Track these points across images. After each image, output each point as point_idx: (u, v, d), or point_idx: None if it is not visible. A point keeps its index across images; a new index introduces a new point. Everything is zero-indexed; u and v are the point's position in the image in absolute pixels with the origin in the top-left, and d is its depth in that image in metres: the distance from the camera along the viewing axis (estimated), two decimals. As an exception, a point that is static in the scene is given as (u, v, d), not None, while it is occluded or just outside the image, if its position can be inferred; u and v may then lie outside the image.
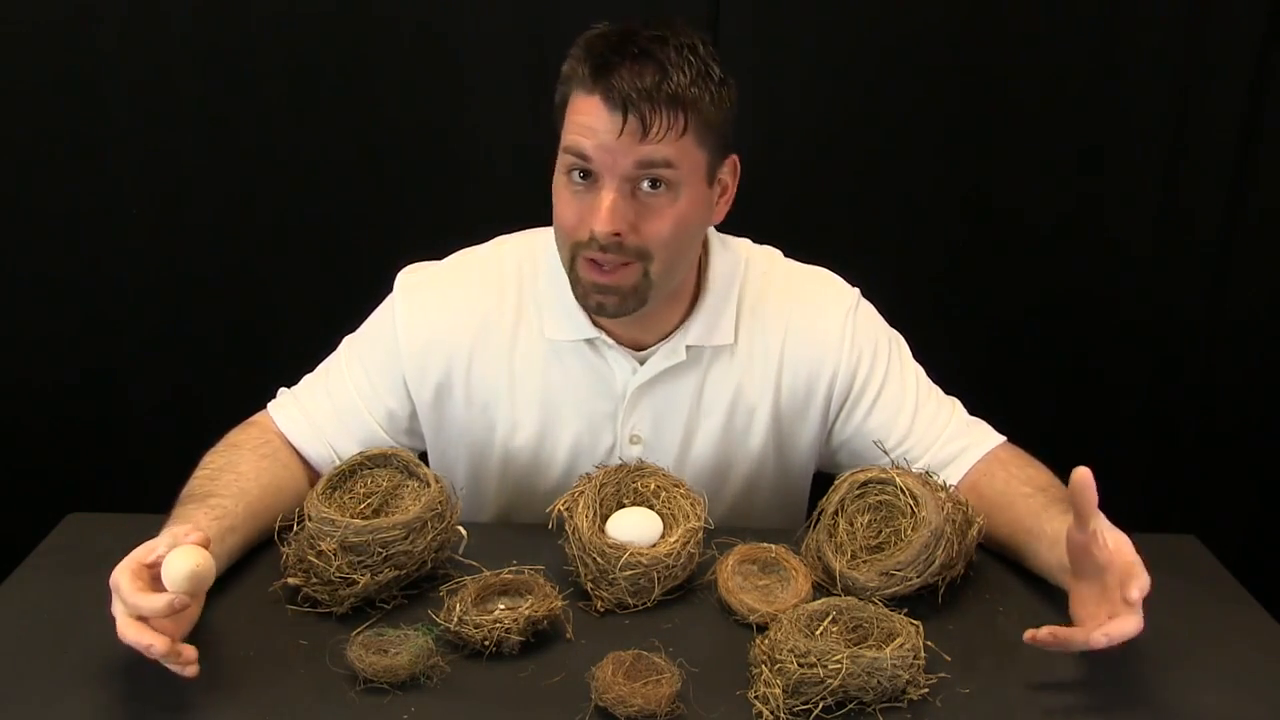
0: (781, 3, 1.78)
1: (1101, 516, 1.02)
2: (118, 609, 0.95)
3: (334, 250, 1.88)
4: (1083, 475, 0.99)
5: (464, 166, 1.85)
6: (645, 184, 1.12)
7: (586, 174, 1.13)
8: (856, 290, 1.33)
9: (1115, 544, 1.00)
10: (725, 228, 1.32)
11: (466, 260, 1.32)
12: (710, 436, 1.30)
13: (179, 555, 0.95)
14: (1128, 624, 0.95)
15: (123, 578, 0.95)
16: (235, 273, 1.89)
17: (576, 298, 1.19)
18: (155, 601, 0.92)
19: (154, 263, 1.88)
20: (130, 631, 0.92)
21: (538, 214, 1.32)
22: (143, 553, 0.98)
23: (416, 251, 1.35)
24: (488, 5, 1.77)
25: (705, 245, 1.29)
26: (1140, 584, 0.96)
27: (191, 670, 0.93)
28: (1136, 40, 1.80)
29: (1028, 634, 0.99)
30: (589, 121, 1.11)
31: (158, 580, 0.96)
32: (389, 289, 1.30)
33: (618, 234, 1.12)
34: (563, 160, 1.15)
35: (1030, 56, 1.81)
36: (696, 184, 1.15)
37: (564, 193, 1.16)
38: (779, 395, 1.30)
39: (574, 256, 1.16)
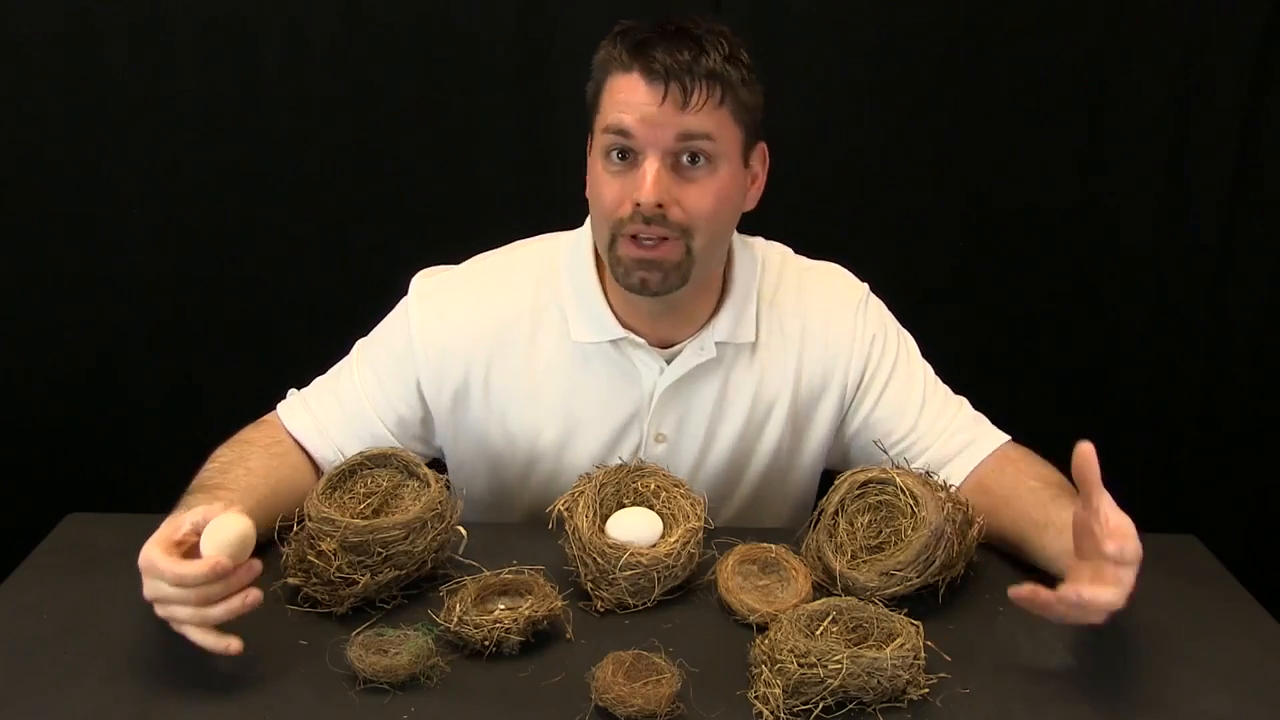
0: (781, 5, 1.78)
1: (1107, 496, 1.01)
2: (166, 600, 0.95)
3: (338, 249, 1.87)
4: (1085, 449, 0.99)
5: (471, 167, 1.84)
6: (685, 158, 1.14)
7: (625, 153, 1.14)
8: (865, 285, 1.35)
9: (1116, 523, 0.99)
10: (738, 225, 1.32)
11: (482, 265, 1.31)
12: (731, 434, 1.30)
13: (225, 521, 0.95)
14: (1103, 593, 0.95)
15: (156, 554, 0.95)
16: (238, 272, 1.89)
17: (617, 278, 1.19)
18: (198, 567, 0.93)
19: (156, 262, 1.87)
20: (209, 639, 0.95)
21: (548, 215, 1.33)
22: (170, 530, 0.98)
23: (423, 250, 1.35)
24: (494, 6, 1.77)
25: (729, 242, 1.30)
26: (1123, 543, 0.95)
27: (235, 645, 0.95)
28: (1137, 41, 1.80)
29: (1012, 590, 1.00)
30: (629, 97, 1.12)
31: (189, 556, 0.96)
32: (395, 288, 1.30)
33: (661, 205, 1.12)
34: (601, 142, 1.16)
35: (1032, 55, 1.81)
36: (734, 160, 1.17)
37: (602, 175, 1.16)
38: (797, 391, 1.31)
39: (614, 237, 1.16)
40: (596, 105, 1.17)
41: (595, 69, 1.18)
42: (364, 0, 1.76)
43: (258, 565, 0.97)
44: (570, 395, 1.27)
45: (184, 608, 0.95)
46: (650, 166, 1.12)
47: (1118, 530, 0.97)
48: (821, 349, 1.30)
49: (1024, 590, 0.99)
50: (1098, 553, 0.98)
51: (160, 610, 0.96)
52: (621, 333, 1.24)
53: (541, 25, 1.77)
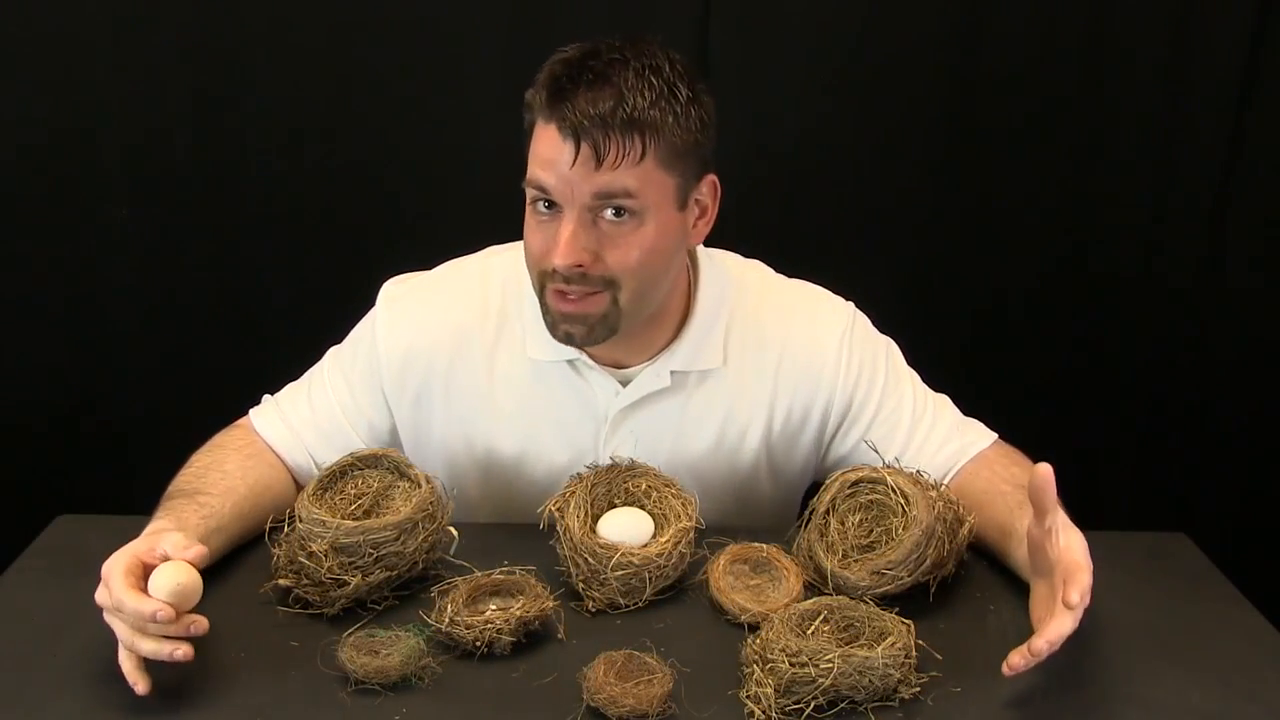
0: (772, 6, 1.78)
1: (1061, 514, 1.01)
2: (113, 613, 0.95)
3: (325, 255, 1.87)
4: (1043, 471, 0.99)
5: (455, 172, 1.84)
6: (608, 213, 1.10)
7: (551, 204, 1.12)
8: (850, 305, 1.31)
9: (1067, 542, 1.00)
10: (715, 237, 1.32)
11: (452, 272, 1.31)
12: (699, 458, 1.28)
13: (175, 570, 0.95)
14: (1062, 625, 0.95)
15: (115, 570, 0.95)
16: (228, 276, 1.88)
17: (547, 326, 1.17)
18: (142, 606, 0.92)
19: (143, 266, 1.87)
20: (127, 664, 0.94)
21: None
22: (144, 550, 0.98)
23: (407, 255, 1.35)
24: (480, 11, 1.77)
25: (694, 265, 1.27)
26: (1079, 588, 0.95)
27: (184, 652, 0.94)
28: (1127, 36, 1.80)
29: (1006, 668, 0.96)
30: (546, 153, 1.09)
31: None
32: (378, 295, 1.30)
33: (579, 265, 1.10)
34: (528, 192, 1.14)
35: (1021, 52, 1.81)
36: (665, 209, 1.13)
37: (530, 221, 1.15)
38: (772, 418, 1.28)
39: (543, 286, 1.15)
40: (528, 145, 1.13)
41: (526, 105, 1.13)
42: (354, 5, 1.76)
43: (203, 624, 0.96)
44: (527, 411, 1.26)
45: (118, 626, 0.95)
46: (566, 228, 1.09)
47: (1069, 552, 0.99)
48: (802, 377, 1.27)
49: (1015, 661, 0.95)
50: (1050, 568, 1.00)
51: (105, 616, 0.97)
52: (575, 353, 1.23)
53: (533, 28, 1.77)
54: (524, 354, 1.25)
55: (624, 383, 1.25)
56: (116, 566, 0.95)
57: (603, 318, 1.14)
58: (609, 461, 1.20)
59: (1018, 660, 0.95)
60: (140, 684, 0.94)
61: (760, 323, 1.27)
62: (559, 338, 1.16)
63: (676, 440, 1.27)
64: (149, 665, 0.95)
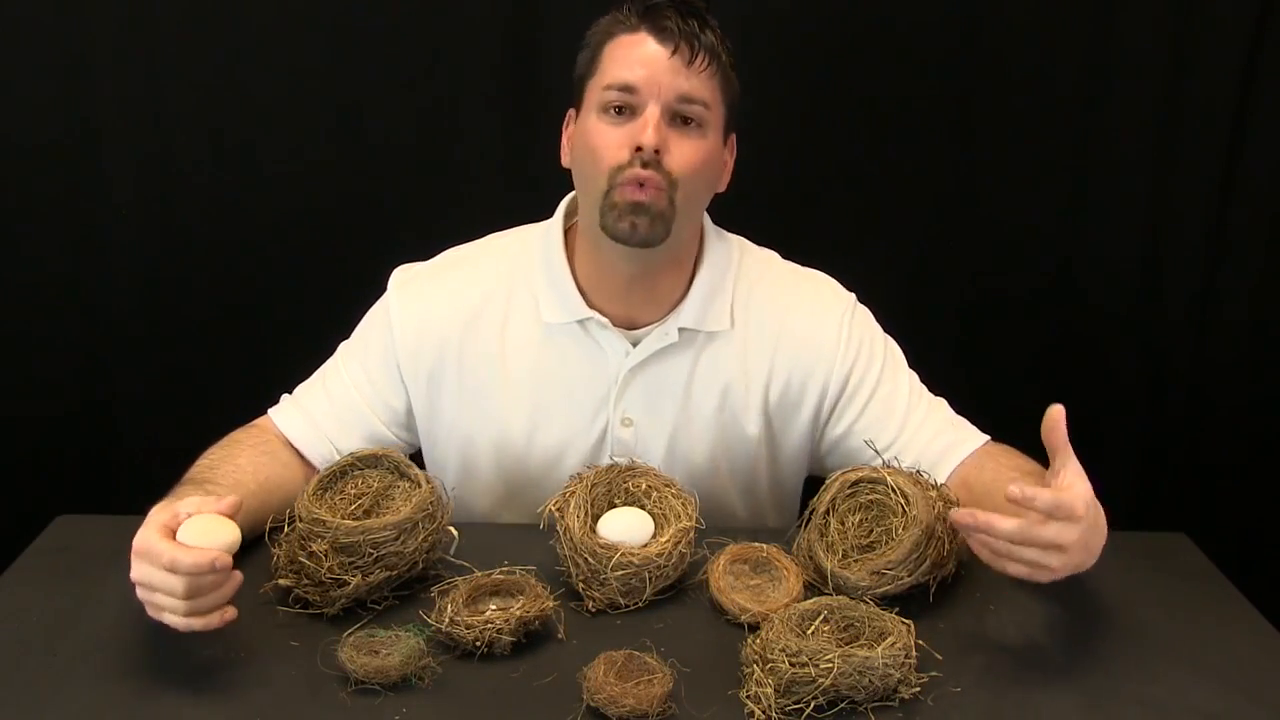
0: (771, 4, 1.78)
1: (1074, 461, 1.04)
2: (153, 585, 0.95)
3: (327, 258, 1.87)
4: (1055, 411, 1.04)
5: (456, 174, 1.84)
6: (678, 120, 1.19)
7: (623, 109, 1.19)
8: (852, 295, 1.35)
9: (1069, 483, 1.02)
10: (721, 223, 1.33)
11: (456, 254, 1.35)
12: (703, 423, 1.30)
13: (218, 524, 0.96)
14: (1041, 493, 0.99)
15: (154, 537, 0.95)
16: (229, 274, 1.88)
17: (606, 228, 1.19)
18: (199, 557, 0.93)
19: (145, 267, 1.87)
20: (194, 622, 0.95)
21: (528, 220, 1.33)
22: (167, 516, 0.98)
23: (408, 258, 1.36)
24: (480, 11, 1.77)
25: (702, 230, 1.31)
26: (1063, 507, 0.99)
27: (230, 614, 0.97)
28: (1126, 44, 1.80)
29: (953, 514, 1.05)
30: (636, 54, 1.18)
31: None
32: (383, 295, 1.32)
33: (658, 151, 1.16)
34: (600, 99, 1.20)
35: (1022, 50, 1.81)
36: (716, 133, 1.23)
37: (598, 127, 1.20)
38: (770, 389, 1.31)
39: (609, 187, 1.18)
40: (593, 68, 1.22)
41: (593, 36, 1.23)
42: (355, 8, 1.76)
43: (240, 577, 0.98)
44: (539, 377, 1.29)
45: (168, 597, 0.95)
46: (652, 115, 1.17)
47: (1070, 487, 1.02)
48: (800, 351, 1.30)
49: (962, 512, 1.03)
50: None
51: (142, 594, 0.97)
52: (588, 313, 1.26)
53: (533, 29, 1.77)
54: (536, 319, 1.28)
55: (634, 343, 1.28)
56: (153, 536, 0.95)
57: (661, 214, 1.19)
58: (610, 461, 1.20)
59: (963, 515, 1.03)
60: (228, 611, 0.97)
61: (765, 296, 1.32)
62: (622, 232, 1.19)
63: (682, 402, 1.29)
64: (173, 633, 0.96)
